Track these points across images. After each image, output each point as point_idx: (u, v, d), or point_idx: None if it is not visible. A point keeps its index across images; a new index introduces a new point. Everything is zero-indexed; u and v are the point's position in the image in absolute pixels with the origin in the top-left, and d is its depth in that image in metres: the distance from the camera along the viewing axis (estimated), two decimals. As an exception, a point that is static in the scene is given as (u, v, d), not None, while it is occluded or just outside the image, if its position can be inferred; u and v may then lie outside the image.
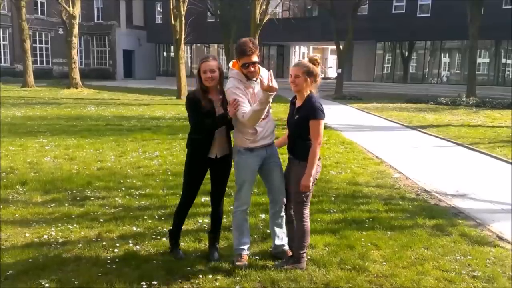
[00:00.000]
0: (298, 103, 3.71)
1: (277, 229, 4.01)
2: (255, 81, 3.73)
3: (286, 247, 4.01)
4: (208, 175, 3.99)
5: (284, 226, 4.03)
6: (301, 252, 3.79)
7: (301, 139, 3.67)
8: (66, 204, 5.31)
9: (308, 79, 3.61)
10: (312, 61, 3.63)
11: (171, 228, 4.09)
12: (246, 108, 3.61)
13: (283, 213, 4.00)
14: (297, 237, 3.82)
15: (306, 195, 3.74)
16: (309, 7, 35.16)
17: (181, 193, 4.04)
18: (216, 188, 4.00)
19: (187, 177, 3.91)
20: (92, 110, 15.63)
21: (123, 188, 6.02)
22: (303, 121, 3.62)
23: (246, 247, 3.92)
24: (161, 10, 38.30)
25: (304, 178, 3.62)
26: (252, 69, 3.62)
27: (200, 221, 4.81)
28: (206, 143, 3.76)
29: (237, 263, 3.79)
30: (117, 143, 9.34)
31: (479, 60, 27.47)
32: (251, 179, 3.87)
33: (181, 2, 20.26)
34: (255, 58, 3.60)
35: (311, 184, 3.67)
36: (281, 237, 4.01)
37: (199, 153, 3.80)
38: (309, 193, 3.76)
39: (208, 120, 3.68)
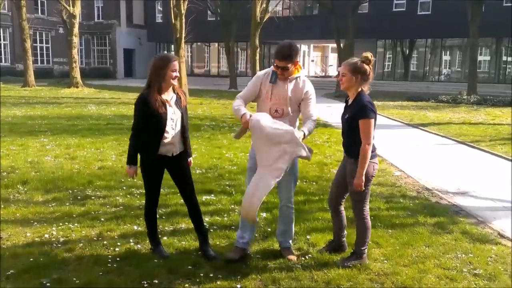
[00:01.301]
0: (350, 100, 3.76)
1: (280, 226, 4.05)
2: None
3: (287, 245, 4.02)
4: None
5: (290, 223, 4.03)
6: (363, 248, 3.84)
7: (354, 138, 3.65)
8: (67, 203, 5.31)
9: (354, 77, 3.62)
10: (364, 59, 3.62)
11: (147, 231, 4.07)
12: (239, 100, 3.83)
13: (290, 211, 4.01)
14: (358, 234, 3.85)
15: (365, 193, 3.77)
16: (309, 5, 35.14)
17: (145, 193, 4.03)
18: (182, 186, 4.00)
19: (145, 178, 3.91)
20: (92, 109, 15.63)
21: (124, 187, 6.02)
22: (352, 120, 3.63)
23: (243, 241, 3.95)
24: (161, 9, 38.31)
25: (356, 177, 3.63)
26: (280, 71, 3.71)
27: (201, 220, 4.80)
28: (153, 143, 3.74)
29: (227, 254, 3.87)
30: (118, 142, 9.33)
31: (479, 58, 27.43)
32: (253, 166, 3.86)
33: (182, 1, 20.22)
34: (283, 64, 3.67)
35: (368, 182, 3.70)
36: (284, 234, 4.03)
37: (148, 153, 3.78)
38: (367, 191, 3.78)
39: (137, 139, 3.74)
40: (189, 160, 4.06)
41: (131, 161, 3.80)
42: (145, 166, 3.86)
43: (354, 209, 3.86)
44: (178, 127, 3.83)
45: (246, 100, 3.90)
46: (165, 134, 3.75)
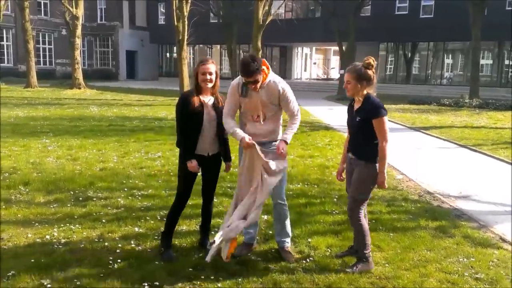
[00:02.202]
0: (357, 105, 3.75)
1: (276, 225, 4.11)
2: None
3: (284, 245, 4.05)
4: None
5: (286, 221, 4.07)
6: (366, 251, 3.81)
7: (365, 140, 3.67)
8: (69, 205, 5.31)
9: (359, 84, 3.64)
10: (366, 65, 3.63)
11: (163, 230, 4.09)
12: (229, 119, 3.85)
13: (283, 208, 4.05)
14: (358, 237, 3.83)
15: (367, 195, 3.79)
16: (312, 8, 35.15)
17: (175, 193, 4.08)
18: (207, 185, 4.13)
19: (181, 177, 3.97)
20: (95, 111, 15.66)
21: (126, 189, 6.02)
22: (364, 122, 3.64)
23: (248, 236, 4.10)
24: (164, 10, 38.34)
25: (380, 177, 3.66)
26: (252, 86, 3.77)
27: (202, 222, 4.80)
28: (191, 141, 3.87)
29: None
30: (120, 143, 9.35)
31: (482, 61, 27.41)
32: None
33: (184, 3, 20.27)
34: (253, 79, 3.71)
35: (374, 184, 3.72)
36: (281, 233, 4.07)
37: (187, 151, 3.89)
38: (370, 192, 3.80)
39: (183, 136, 3.85)
40: (228, 164, 4.18)
41: (190, 156, 3.86)
42: (182, 164, 3.91)
43: (350, 210, 3.82)
44: (214, 128, 3.93)
45: (234, 114, 3.95)
46: (201, 134, 3.87)
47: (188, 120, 3.83)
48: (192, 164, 3.84)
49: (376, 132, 3.61)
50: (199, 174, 4.06)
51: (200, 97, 3.87)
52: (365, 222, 3.86)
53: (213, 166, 4.07)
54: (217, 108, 3.94)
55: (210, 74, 3.83)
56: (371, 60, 3.65)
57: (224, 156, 4.14)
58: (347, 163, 3.99)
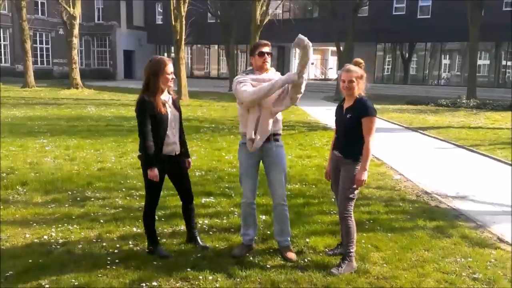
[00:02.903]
0: (347, 104, 3.85)
1: (277, 226, 4.11)
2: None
3: (286, 244, 4.06)
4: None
5: (286, 221, 4.08)
6: (352, 250, 3.83)
7: (354, 138, 3.76)
8: (66, 205, 5.31)
9: (361, 81, 3.78)
10: (357, 64, 3.81)
11: (147, 232, 4.06)
12: (247, 87, 3.82)
13: (284, 209, 4.06)
14: (347, 236, 3.85)
15: (356, 192, 3.83)
16: (310, 8, 35.16)
17: (145, 196, 4.05)
18: (181, 183, 4.13)
19: (148, 180, 3.89)
20: (92, 111, 15.64)
21: (124, 189, 6.02)
22: (355, 120, 3.74)
23: (247, 238, 4.10)
24: (161, 10, 38.33)
25: (359, 173, 3.72)
26: (266, 56, 3.99)
27: (201, 222, 4.80)
28: (158, 143, 3.83)
29: (233, 251, 4.04)
30: (118, 143, 9.34)
31: (479, 62, 27.48)
32: (245, 172, 4.04)
33: (182, 3, 20.25)
34: (268, 48, 4.01)
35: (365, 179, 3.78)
36: (281, 233, 4.07)
37: (154, 154, 3.83)
38: (358, 189, 3.85)
39: (148, 141, 3.75)
40: (188, 160, 4.18)
41: (152, 162, 3.79)
42: (150, 165, 3.88)
43: (341, 208, 3.86)
44: (177, 127, 3.97)
45: None
46: (168, 134, 3.85)
47: (156, 124, 3.77)
48: (154, 173, 3.76)
49: (364, 130, 3.71)
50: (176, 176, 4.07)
51: (161, 97, 3.83)
52: (353, 219, 3.89)
53: (180, 165, 4.08)
54: (177, 107, 3.98)
55: (172, 73, 3.85)
56: (361, 60, 3.87)
57: (185, 153, 4.15)
58: (333, 161, 4.05)
